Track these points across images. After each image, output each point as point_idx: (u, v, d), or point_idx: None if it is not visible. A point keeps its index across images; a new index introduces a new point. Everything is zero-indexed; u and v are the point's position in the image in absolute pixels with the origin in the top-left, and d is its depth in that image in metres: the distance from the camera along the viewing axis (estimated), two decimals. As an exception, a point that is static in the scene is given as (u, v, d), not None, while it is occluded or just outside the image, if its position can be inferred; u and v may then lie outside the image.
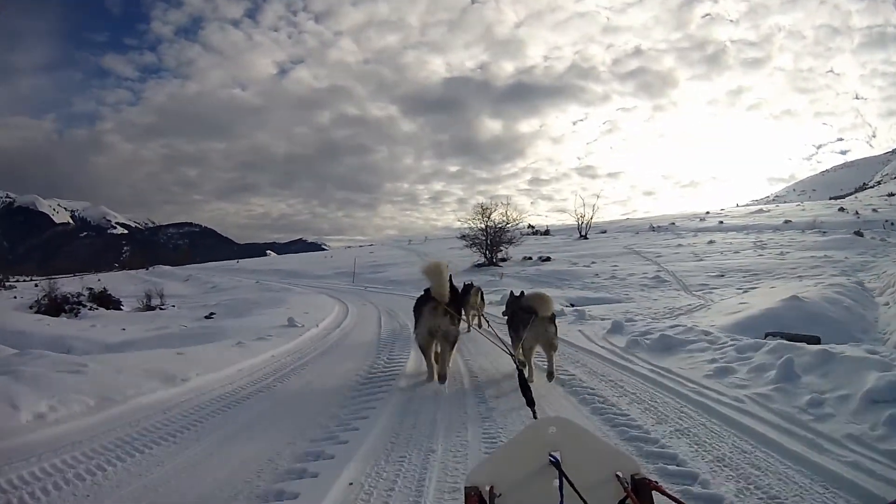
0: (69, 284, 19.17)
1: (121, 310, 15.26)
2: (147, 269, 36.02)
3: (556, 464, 1.17)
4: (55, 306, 13.87)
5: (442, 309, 4.70)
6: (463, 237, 22.19)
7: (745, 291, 11.40)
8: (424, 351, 4.94)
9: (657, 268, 16.65)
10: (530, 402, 1.62)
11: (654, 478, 1.47)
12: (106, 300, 15.60)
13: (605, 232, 30.30)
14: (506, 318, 5.59)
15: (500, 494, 1.16)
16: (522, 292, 5.54)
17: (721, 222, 31.39)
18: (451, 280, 4.91)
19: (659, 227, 30.85)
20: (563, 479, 1.12)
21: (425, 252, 28.50)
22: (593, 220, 28.33)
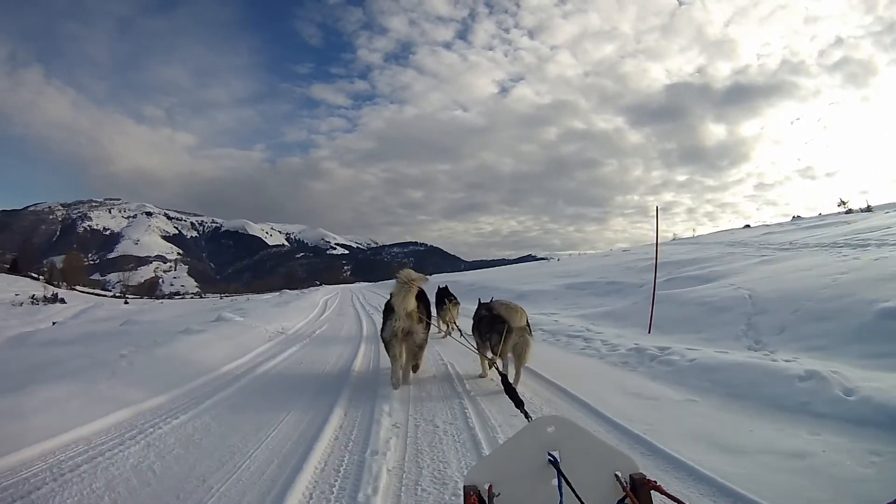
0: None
1: None
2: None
3: (554, 463, 1.16)
4: None
5: (413, 313, 4.57)
6: None
7: None
8: (391, 354, 4.69)
9: None
10: (519, 404, 1.54)
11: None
12: None
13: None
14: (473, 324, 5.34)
15: (498, 494, 1.15)
16: (492, 298, 5.46)
17: None
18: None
19: None
20: (562, 479, 1.12)
21: (743, 242, 14.16)
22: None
